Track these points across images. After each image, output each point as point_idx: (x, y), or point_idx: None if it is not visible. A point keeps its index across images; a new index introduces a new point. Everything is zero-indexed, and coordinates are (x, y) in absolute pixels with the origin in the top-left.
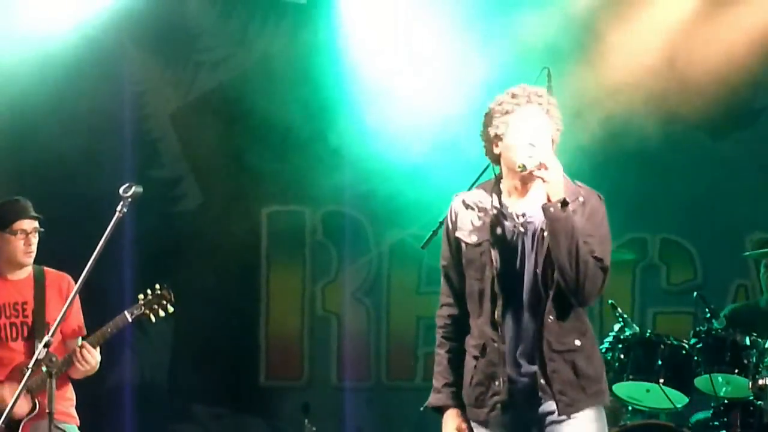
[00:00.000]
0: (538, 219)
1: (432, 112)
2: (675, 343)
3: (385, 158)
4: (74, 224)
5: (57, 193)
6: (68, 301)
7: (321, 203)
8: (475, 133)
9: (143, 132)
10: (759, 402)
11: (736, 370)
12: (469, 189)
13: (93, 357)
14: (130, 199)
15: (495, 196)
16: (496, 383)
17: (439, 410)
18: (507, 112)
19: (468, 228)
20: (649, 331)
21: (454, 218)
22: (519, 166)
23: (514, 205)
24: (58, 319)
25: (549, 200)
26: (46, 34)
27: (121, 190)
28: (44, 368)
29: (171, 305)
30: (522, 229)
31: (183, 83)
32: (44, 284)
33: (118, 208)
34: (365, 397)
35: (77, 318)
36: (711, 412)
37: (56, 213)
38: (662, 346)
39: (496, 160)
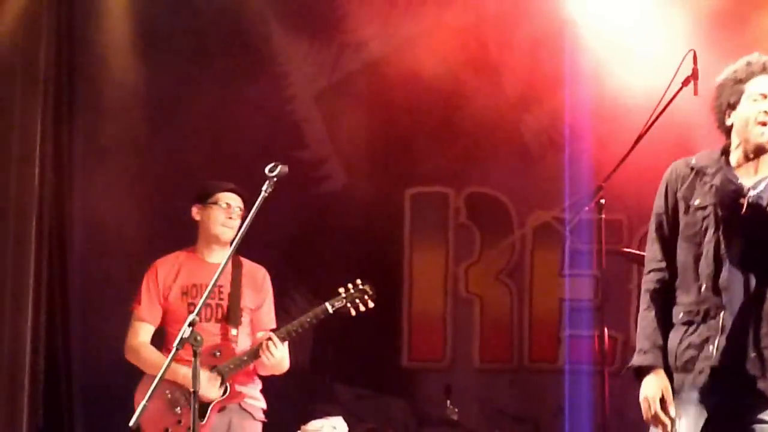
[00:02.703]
0: (766, 195)
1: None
2: None
3: (532, 139)
4: None
5: (201, 173)
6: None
7: (465, 184)
8: (622, 118)
9: (287, 112)
10: None
11: None
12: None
13: (278, 350)
14: (275, 179)
15: (724, 165)
16: (710, 348)
17: (642, 372)
18: (740, 81)
19: (693, 191)
20: None
21: (677, 180)
22: None
23: (743, 177)
24: (244, 301)
25: None
26: (193, 9)
27: (266, 170)
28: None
29: (372, 301)
30: (752, 201)
31: (327, 64)
32: (241, 271)
33: (264, 188)
34: (507, 379)
35: (269, 311)
36: None
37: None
38: None
39: (728, 131)
